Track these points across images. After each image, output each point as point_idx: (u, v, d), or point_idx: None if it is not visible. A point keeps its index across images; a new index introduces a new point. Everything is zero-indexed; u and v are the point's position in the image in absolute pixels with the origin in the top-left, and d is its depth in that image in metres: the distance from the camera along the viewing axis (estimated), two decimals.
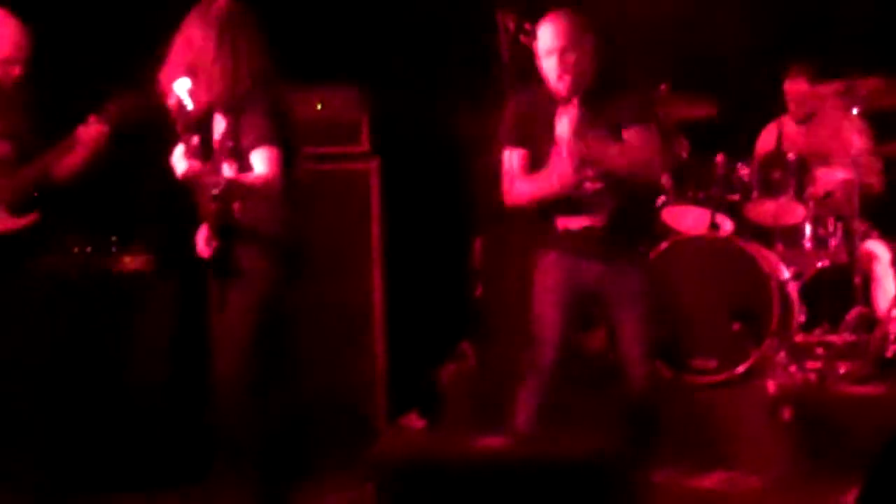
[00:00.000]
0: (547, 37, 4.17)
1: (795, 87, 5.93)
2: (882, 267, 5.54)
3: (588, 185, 4.21)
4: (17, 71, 4.47)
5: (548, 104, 4.26)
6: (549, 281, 4.34)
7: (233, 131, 3.94)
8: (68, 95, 4.72)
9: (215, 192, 3.85)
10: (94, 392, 5.24)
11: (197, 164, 3.83)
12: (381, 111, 5.70)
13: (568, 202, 4.28)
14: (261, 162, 3.89)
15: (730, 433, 5.01)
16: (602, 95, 4.22)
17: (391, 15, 5.92)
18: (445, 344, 5.67)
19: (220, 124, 4.00)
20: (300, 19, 5.75)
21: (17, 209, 4.50)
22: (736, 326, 5.20)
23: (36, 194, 4.57)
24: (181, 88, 3.79)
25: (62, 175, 4.58)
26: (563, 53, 4.14)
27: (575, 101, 4.23)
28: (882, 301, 5.45)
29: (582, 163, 4.16)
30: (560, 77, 4.15)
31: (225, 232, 3.99)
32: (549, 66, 4.17)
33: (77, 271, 5.38)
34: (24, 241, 4.54)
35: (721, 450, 4.91)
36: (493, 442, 3.46)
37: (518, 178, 4.34)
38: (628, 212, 4.28)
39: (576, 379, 4.69)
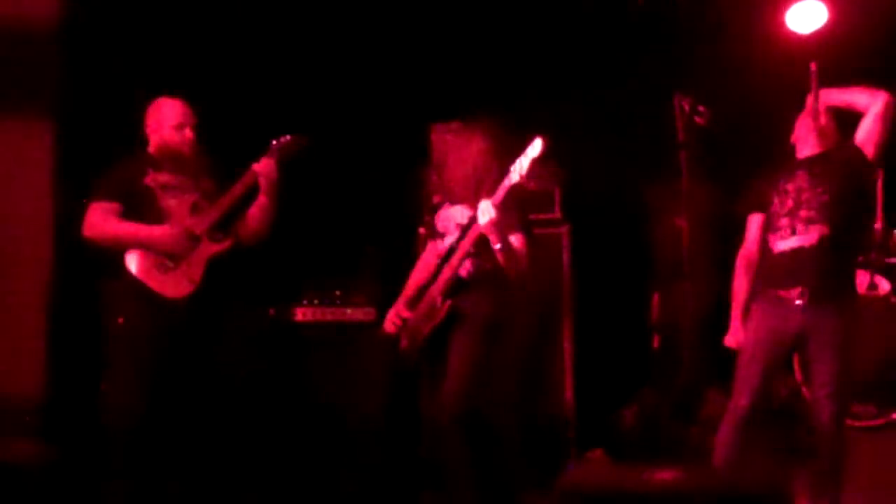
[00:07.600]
0: None
1: None
2: None
3: None
4: (189, 133, 4.80)
5: None
6: (755, 335, 4.48)
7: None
8: (240, 151, 4.95)
9: (499, 246, 4.48)
10: (319, 423, 5.63)
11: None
12: (572, 183, 5.99)
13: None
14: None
15: (885, 472, 5.12)
16: None
17: (580, 98, 6.14)
18: (627, 389, 5.90)
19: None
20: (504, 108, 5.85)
21: (215, 238, 4.76)
22: (893, 376, 5.37)
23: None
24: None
25: (256, 223, 4.88)
26: None
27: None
28: None
29: None
30: None
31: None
32: None
33: (309, 321, 5.82)
34: (230, 267, 4.80)
35: (878, 486, 4.96)
36: (667, 474, 3.45)
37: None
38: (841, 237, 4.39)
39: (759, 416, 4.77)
